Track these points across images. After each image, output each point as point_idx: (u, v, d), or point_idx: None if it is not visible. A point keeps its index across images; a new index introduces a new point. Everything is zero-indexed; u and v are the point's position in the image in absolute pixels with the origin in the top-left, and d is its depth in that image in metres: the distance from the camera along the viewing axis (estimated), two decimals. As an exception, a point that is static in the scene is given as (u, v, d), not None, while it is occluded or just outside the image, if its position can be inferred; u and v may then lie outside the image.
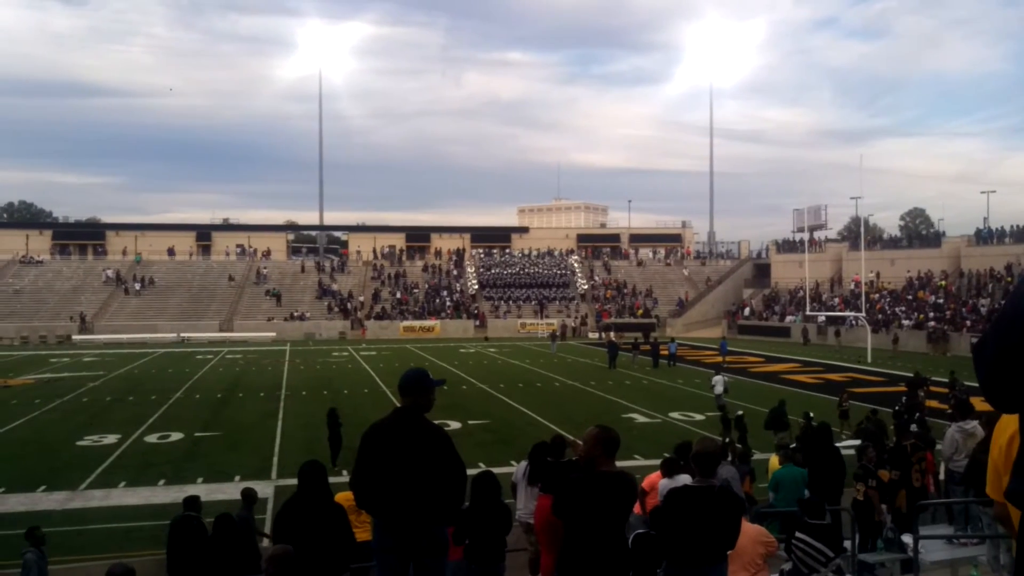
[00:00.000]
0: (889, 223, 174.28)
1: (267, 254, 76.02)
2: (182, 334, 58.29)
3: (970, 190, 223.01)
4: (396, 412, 4.90)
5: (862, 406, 20.94)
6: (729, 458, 11.06)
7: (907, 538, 8.42)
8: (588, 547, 4.26)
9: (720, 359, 39.12)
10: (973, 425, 9.51)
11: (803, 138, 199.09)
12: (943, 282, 54.37)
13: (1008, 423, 1.95)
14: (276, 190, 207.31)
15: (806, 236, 57.49)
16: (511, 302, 68.79)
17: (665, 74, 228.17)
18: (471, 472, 6.38)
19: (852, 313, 51.31)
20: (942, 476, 11.19)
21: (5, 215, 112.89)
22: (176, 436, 21.45)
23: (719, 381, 24.97)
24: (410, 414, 4.84)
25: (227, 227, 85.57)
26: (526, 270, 74.49)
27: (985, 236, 57.07)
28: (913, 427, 14.40)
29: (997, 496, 1.99)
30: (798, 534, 6.27)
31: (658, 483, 8.24)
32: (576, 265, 76.39)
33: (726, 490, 4.70)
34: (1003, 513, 1.94)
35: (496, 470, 10.13)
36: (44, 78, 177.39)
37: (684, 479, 7.01)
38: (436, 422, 5.27)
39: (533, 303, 68.52)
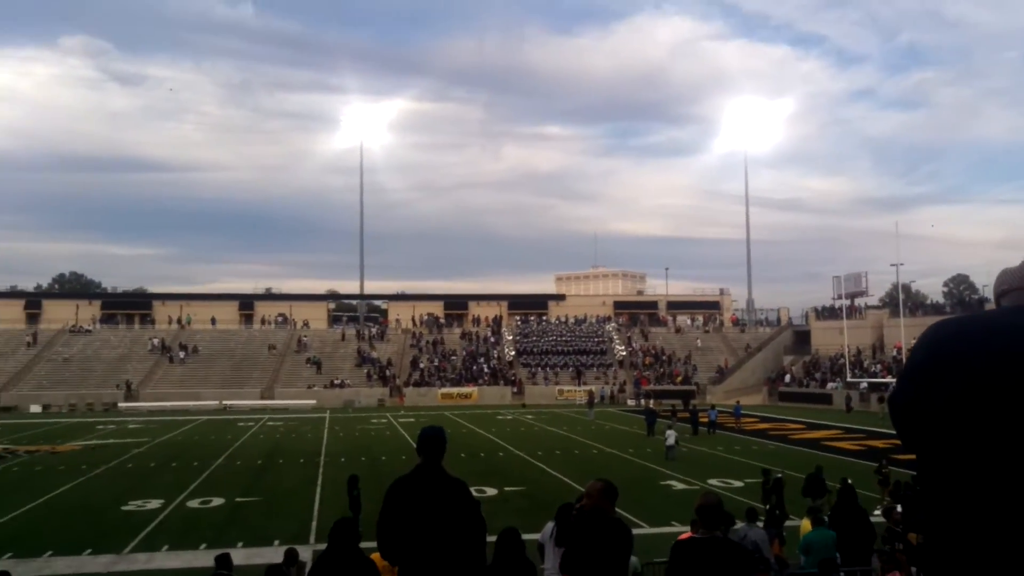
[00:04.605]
0: (933, 290, 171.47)
1: (307, 323, 77.15)
2: (224, 402, 59.10)
3: (1015, 256, 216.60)
4: (418, 467, 5.22)
5: (903, 472, 20.63)
6: (760, 522, 11.09)
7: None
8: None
9: (735, 422, 41.89)
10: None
11: (843, 206, 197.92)
12: (988, 348, 53.32)
13: None
14: (318, 260, 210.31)
15: (845, 303, 57.04)
16: (548, 369, 68.80)
17: (702, 145, 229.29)
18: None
19: (895, 380, 50.51)
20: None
21: (57, 286, 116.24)
22: (217, 501, 21.79)
23: (671, 435, 29.96)
24: (431, 469, 5.16)
25: (269, 296, 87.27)
26: (563, 337, 74.58)
27: (1030, 302, 56.05)
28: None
29: None
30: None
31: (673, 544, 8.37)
32: (613, 332, 76.31)
33: (730, 541, 4.90)
34: None
35: (533, 536, 10.29)
36: (99, 154, 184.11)
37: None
38: (473, 489, 5.56)
39: (570, 369, 68.43)
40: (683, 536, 9.17)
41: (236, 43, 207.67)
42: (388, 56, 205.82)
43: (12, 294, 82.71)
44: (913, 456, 1.80)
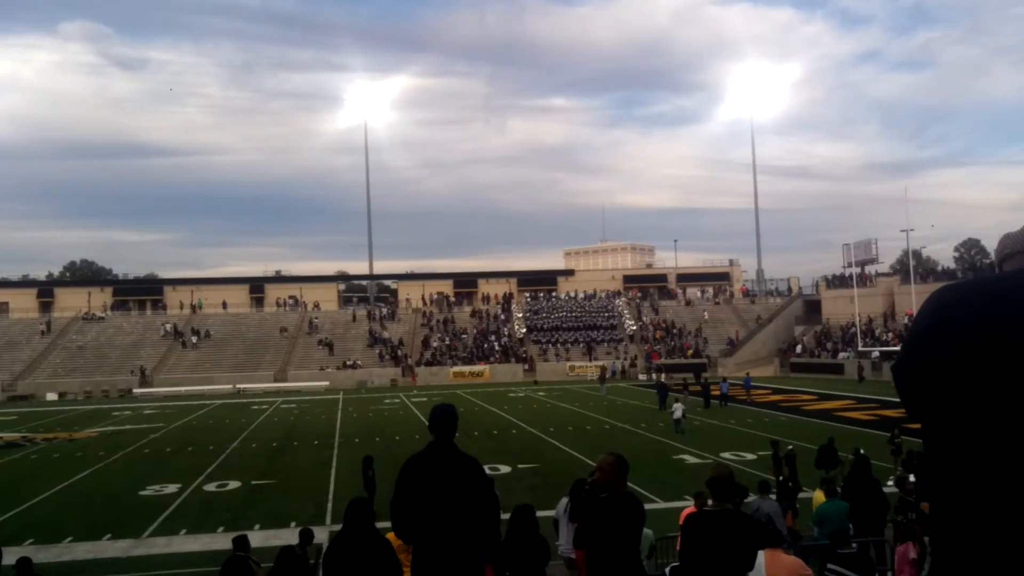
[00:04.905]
0: (944, 255, 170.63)
1: (318, 305, 77.42)
2: (238, 385, 59.51)
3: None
4: (431, 445, 5.25)
5: (916, 441, 20.63)
6: (773, 494, 11.12)
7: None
8: (612, 569, 4.53)
9: (745, 394, 41.16)
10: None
11: (852, 172, 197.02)
12: (1001, 313, 53.09)
13: None
14: (327, 241, 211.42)
15: (855, 271, 56.81)
16: (559, 345, 68.92)
17: (708, 113, 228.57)
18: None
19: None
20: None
21: (68, 274, 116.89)
22: (234, 484, 22.00)
23: (678, 407, 30.02)
24: (444, 446, 5.19)
25: (279, 279, 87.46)
26: (573, 313, 74.64)
27: (1044, 265, 55.66)
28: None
29: None
30: (829, 565, 6.41)
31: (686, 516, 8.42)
32: (623, 306, 76.29)
33: (742, 514, 4.93)
34: None
35: (547, 513, 10.35)
36: (104, 140, 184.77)
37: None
38: (486, 466, 5.60)
39: (581, 345, 68.53)
40: (687, 511, 9.23)
41: (237, 24, 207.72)
42: (390, 32, 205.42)
43: (25, 283, 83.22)
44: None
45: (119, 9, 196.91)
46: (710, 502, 6.28)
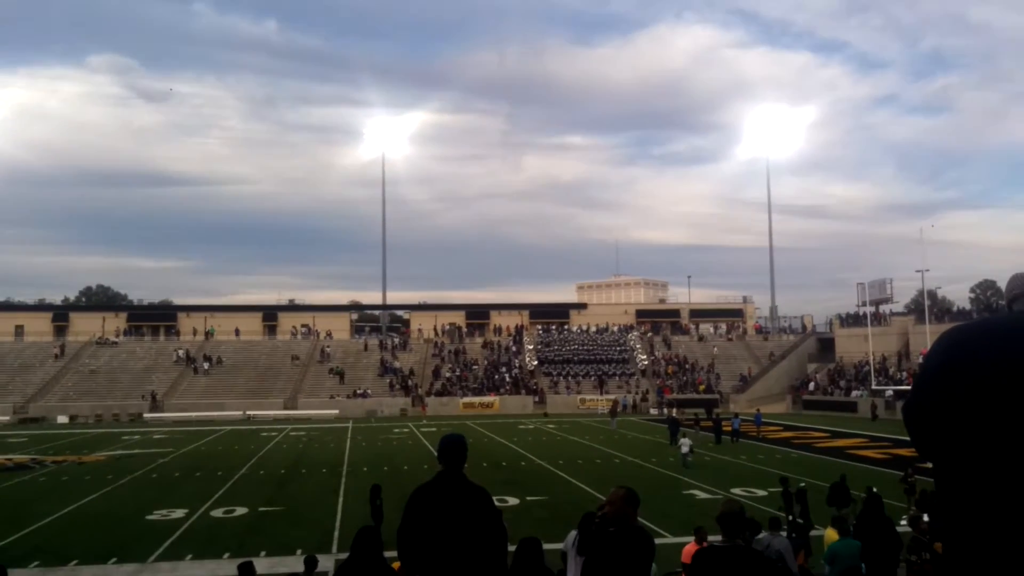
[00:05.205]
0: (959, 296, 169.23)
1: (330, 334, 77.54)
2: (248, 412, 59.49)
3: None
4: (439, 475, 5.22)
5: (930, 481, 20.34)
6: (784, 531, 10.98)
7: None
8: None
9: (756, 430, 41.44)
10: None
11: (867, 212, 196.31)
12: (1017, 354, 52.59)
13: None
14: (341, 271, 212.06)
15: (870, 309, 56.53)
16: (570, 378, 68.65)
17: (724, 153, 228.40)
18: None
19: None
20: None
21: (84, 299, 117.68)
22: (241, 511, 21.91)
23: (685, 443, 30.19)
24: (453, 476, 5.16)
25: (293, 308, 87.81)
26: (585, 346, 74.43)
27: (1060, 307, 55.22)
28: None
29: None
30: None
31: (694, 552, 8.32)
32: (635, 341, 76.03)
33: (752, 550, 4.87)
34: None
35: (554, 546, 10.24)
36: (126, 169, 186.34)
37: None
38: (494, 498, 5.55)
39: (592, 379, 68.24)
40: (688, 548, 9.10)
41: (260, 59, 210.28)
42: (410, 69, 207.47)
43: (40, 307, 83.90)
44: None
45: (145, 43, 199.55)
46: (710, 538, 6.22)
